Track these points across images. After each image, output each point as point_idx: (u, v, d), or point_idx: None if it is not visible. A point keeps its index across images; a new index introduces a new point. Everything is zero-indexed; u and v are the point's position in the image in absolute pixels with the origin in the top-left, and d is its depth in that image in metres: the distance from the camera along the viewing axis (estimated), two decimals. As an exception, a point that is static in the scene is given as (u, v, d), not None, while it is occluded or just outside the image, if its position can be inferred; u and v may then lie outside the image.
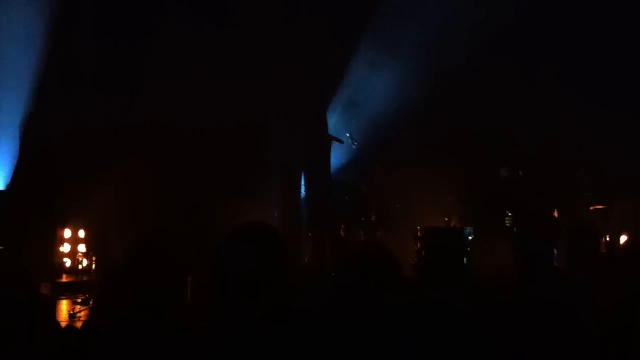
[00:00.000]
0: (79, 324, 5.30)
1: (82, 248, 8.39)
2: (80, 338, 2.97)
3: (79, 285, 7.39)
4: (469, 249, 8.62)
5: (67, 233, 8.32)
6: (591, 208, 8.44)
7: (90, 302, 5.89)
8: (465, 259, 8.10)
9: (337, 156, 9.04)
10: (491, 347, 2.72)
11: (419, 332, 2.60)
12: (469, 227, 8.95)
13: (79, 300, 6.63)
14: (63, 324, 4.89)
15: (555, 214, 7.83)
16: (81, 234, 8.43)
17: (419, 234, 8.33)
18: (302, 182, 8.60)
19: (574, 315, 3.06)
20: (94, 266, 8.14)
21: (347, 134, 8.90)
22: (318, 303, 2.73)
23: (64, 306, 6.57)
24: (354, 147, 8.94)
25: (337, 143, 8.67)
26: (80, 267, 8.24)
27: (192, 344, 2.44)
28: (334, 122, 9.04)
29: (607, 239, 8.08)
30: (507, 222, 8.77)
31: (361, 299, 2.63)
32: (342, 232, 8.83)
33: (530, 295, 3.33)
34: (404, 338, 2.57)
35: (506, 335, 2.81)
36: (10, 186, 7.81)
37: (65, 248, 8.27)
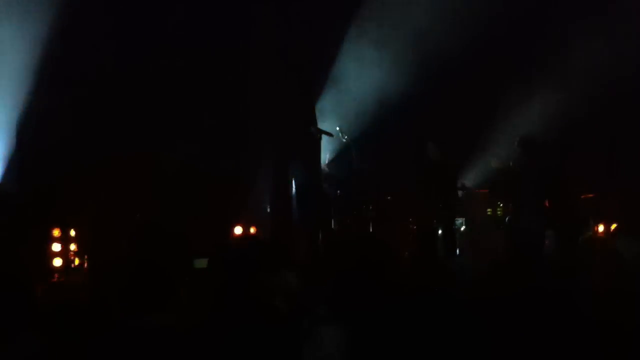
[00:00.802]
0: (73, 324, 5.27)
1: (73, 247, 8.33)
2: (75, 338, 2.96)
3: (71, 285, 7.36)
4: (459, 240, 8.70)
5: (58, 232, 8.25)
6: (582, 197, 8.50)
7: (87, 301, 5.87)
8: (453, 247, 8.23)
9: (327, 150, 9.02)
10: (491, 342, 2.73)
11: (418, 329, 2.61)
12: (461, 218, 9.01)
13: (72, 299, 6.59)
14: (57, 325, 4.86)
15: (546, 204, 7.87)
16: (72, 233, 8.36)
17: (412, 226, 8.41)
18: (293, 178, 8.59)
19: (570, 303, 3.08)
20: (86, 265, 8.10)
21: (337, 128, 8.88)
22: (317, 302, 2.73)
23: (56, 305, 6.53)
24: (344, 140, 8.91)
25: (327, 137, 8.66)
26: (72, 266, 8.19)
27: (192, 344, 2.44)
28: (323, 115, 9.03)
29: (600, 227, 8.15)
30: (498, 212, 8.82)
31: (360, 295, 2.63)
32: (334, 226, 8.82)
33: (526, 287, 3.35)
34: (404, 336, 2.58)
35: (506, 328, 2.82)
36: (5, 186, 7.78)
37: (57, 247, 8.20)
